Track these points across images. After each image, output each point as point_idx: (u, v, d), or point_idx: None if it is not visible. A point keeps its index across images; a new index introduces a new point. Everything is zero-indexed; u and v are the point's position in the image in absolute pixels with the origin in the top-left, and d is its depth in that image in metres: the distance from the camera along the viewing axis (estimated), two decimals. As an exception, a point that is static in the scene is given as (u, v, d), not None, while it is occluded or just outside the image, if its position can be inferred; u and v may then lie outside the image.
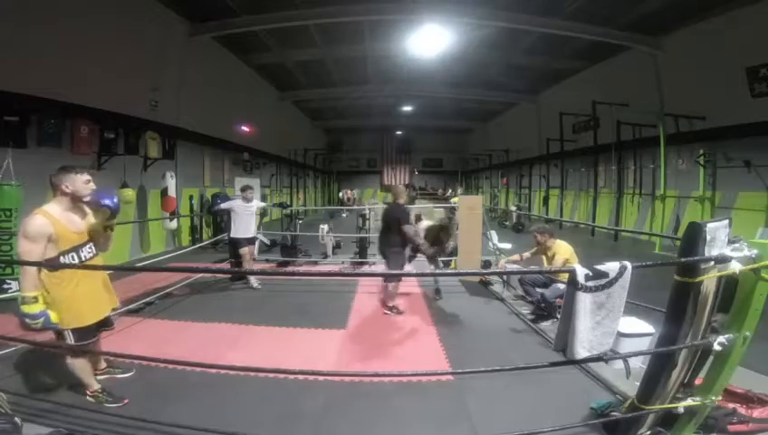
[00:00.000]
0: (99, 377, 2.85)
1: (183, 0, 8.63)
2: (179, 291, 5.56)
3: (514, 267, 4.84)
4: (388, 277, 4.93)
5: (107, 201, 2.53)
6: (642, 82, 10.41)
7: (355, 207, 13.93)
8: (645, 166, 10.88)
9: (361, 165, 29.47)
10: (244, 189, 5.93)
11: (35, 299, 2.27)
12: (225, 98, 11.63)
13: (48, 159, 6.07)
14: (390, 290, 4.86)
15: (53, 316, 2.33)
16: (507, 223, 14.24)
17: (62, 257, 2.39)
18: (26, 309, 2.25)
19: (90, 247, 2.58)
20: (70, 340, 2.45)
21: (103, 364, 3.01)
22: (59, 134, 6.17)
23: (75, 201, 2.52)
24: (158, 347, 3.60)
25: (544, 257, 4.53)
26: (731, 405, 2.27)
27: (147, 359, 2.44)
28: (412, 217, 5.21)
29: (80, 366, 2.59)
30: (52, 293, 2.35)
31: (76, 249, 2.47)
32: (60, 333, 2.50)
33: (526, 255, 4.79)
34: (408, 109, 20.25)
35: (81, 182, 2.53)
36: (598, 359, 1.91)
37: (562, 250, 4.35)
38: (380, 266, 7.17)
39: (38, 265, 2.28)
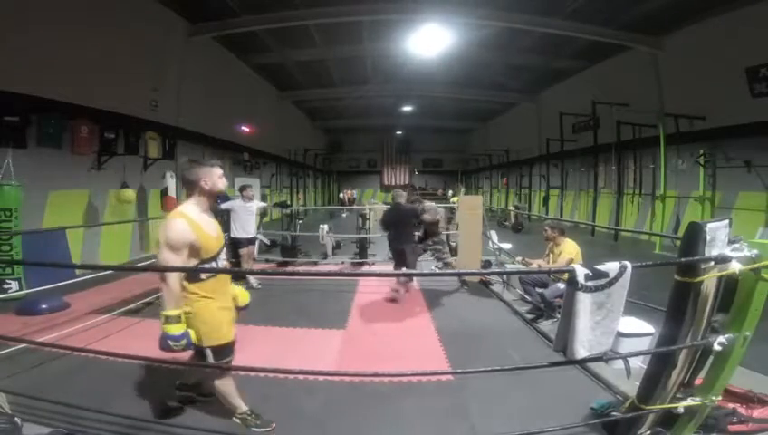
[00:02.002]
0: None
1: (183, 0, 8.63)
2: (179, 291, 5.55)
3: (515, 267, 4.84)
4: (398, 271, 5.34)
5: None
6: (642, 82, 10.40)
7: (355, 207, 13.94)
8: (645, 166, 10.88)
9: (361, 165, 29.48)
10: (244, 188, 5.92)
11: (179, 319, 2.00)
12: (225, 98, 11.64)
13: (48, 159, 6.09)
14: (403, 280, 5.26)
15: (192, 335, 2.07)
16: (507, 223, 14.24)
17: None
18: (170, 330, 1.98)
19: (224, 253, 2.31)
20: (210, 359, 2.20)
21: (244, 406, 2.49)
22: (59, 134, 6.17)
23: (211, 200, 2.23)
24: (158, 347, 3.59)
25: (551, 255, 4.52)
26: (731, 405, 2.27)
27: (147, 359, 2.44)
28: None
29: (225, 387, 2.33)
30: (195, 307, 2.11)
31: (216, 257, 2.19)
32: (199, 353, 2.23)
33: (541, 262, 4.69)
34: (407, 109, 20.26)
35: (218, 176, 2.20)
36: (598, 359, 1.91)
37: (569, 249, 4.34)
38: (380, 266, 7.19)
39: (177, 269, 2.02)
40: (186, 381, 2.58)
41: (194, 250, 2.07)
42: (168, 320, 1.97)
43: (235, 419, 2.41)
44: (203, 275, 2.14)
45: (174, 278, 2.01)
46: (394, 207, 5.48)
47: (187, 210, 2.11)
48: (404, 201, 5.53)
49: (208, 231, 2.13)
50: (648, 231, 10.89)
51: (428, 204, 6.22)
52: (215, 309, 2.17)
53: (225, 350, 2.23)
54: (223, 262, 2.27)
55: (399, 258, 5.34)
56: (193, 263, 2.09)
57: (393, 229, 5.36)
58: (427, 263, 6.60)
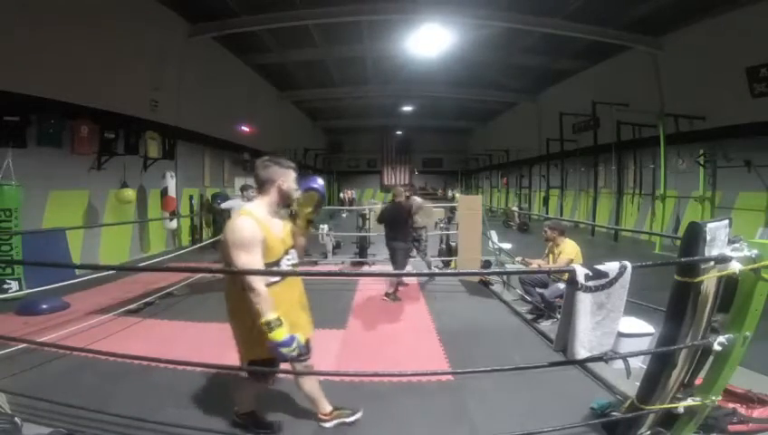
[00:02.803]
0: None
1: (183, 0, 8.62)
2: (179, 291, 5.56)
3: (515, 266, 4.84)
4: (394, 270, 5.38)
5: (314, 184, 2.17)
6: (642, 82, 10.40)
7: (355, 207, 13.94)
8: (645, 166, 10.89)
9: (361, 165, 29.48)
10: (245, 189, 5.92)
11: (280, 322, 1.82)
12: (225, 98, 11.64)
13: (48, 159, 6.09)
14: (392, 280, 5.33)
15: (302, 337, 1.93)
16: (512, 223, 14.24)
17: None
18: (276, 336, 1.80)
19: (291, 255, 2.15)
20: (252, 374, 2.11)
21: (328, 407, 2.43)
22: (59, 134, 6.18)
23: (283, 202, 2.11)
24: (158, 347, 3.60)
25: (551, 255, 4.52)
26: (731, 405, 2.27)
27: (147, 359, 2.44)
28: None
29: (311, 386, 2.24)
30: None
31: (279, 260, 2.06)
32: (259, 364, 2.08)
33: (541, 262, 4.70)
34: (408, 109, 20.26)
35: (292, 180, 2.09)
36: (598, 359, 1.90)
37: (569, 249, 4.33)
38: (380, 266, 7.18)
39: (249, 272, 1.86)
40: (241, 411, 2.38)
41: (263, 249, 1.95)
42: (270, 326, 1.80)
43: (322, 422, 2.35)
44: (271, 278, 1.99)
45: (259, 281, 1.85)
46: (393, 204, 5.51)
47: (253, 209, 2.01)
48: (403, 200, 5.58)
49: (275, 232, 2.03)
50: (647, 231, 10.89)
51: (417, 201, 6.18)
52: (289, 309, 2.03)
53: (307, 348, 2.13)
54: (289, 264, 2.15)
55: (390, 259, 5.43)
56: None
57: (388, 227, 5.41)
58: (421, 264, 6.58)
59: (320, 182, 2.23)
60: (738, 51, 7.69)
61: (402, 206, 5.42)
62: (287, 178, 2.06)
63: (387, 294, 5.26)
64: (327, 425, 2.37)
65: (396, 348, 3.79)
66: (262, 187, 2.05)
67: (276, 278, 2.00)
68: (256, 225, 1.92)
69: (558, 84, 14.73)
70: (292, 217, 2.20)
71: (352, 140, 28.14)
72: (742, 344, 1.81)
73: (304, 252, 2.25)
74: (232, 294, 2.02)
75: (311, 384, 2.25)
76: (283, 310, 1.94)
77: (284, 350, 1.82)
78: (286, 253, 2.10)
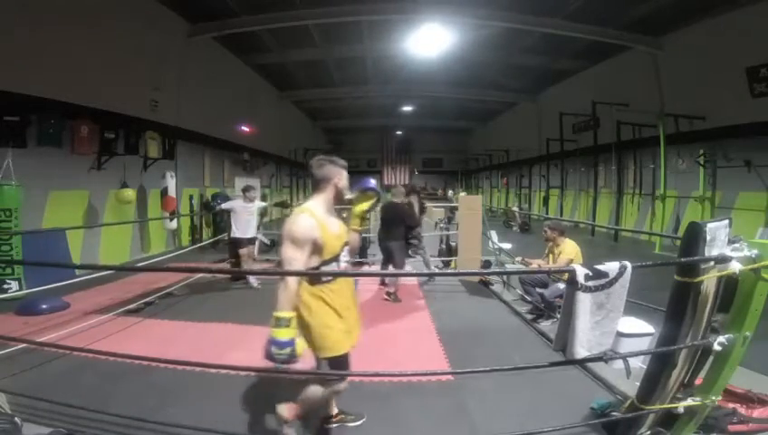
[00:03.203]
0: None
1: (183, 0, 8.62)
2: (179, 291, 5.56)
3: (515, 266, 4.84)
4: (394, 269, 5.33)
5: (371, 185, 2.22)
6: (642, 82, 10.40)
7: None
8: (645, 166, 10.89)
9: (361, 165, 29.42)
10: (247, 189, 5.92)
11: (289, 322, 1.83)
12: (225, 98, 11.64)
13: (48, 159, 6.09)
14: (392, 280, 5.32)
15: (299, 346, 1.85)
16: (513, 223, 14.26)
17: (323, 269, 2.00)
18: (277, 334, 1.79)
19: (345, 253, 2.18)
20: (325, 368, 2.08)
21: (335, 410, 2.44)
22: (59, 134, 6.17)
23: (338, 200, 2.14)
24: (158, 347, 3.60)
25: (551, 255, 4.52)
26: (731, 405, 2.27)
27: (147, 359, 2.44)
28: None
29: (322, 397, 2.16)
30: (314, 311, 1.96)
31: (337, 257, 2.06)
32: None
33: (541, 262, 4.69)
34: (408, 109, 20.26)
35: (346, 178, 2.13)
36: (598, 359, 1.90)
37: (568, 249, 4.33)
38: (378, 266, 7.18)
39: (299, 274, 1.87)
40: (328, 414, 2.38)
41: (316, 248, 1.95)
42: (278, 322, 1.81)
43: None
44: (328, 277, 2.01)
45: (293, 277, 1.89)
46: (390, 204, 5.51)
47: (313, 207, 2.02)
48: (399, 199, 5.59)
49: (332, 230, 2.04)
50: (647, 231, 10.88)
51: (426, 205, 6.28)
52: (335, 315, 2.01)
53: (342, 362, 2.06)
54: (344, 263, 2.18)
55: (388, 256, 5.40)
56: (315, 262, 1.98)
57: (384, 226, 5.41)
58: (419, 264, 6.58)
59: (374, 183, 2.30)
60: (738, 51, 7.69)
61: (399, 206, 5.42)
62: (342, 176, 2.11)
63: (388, 294, 5.26)
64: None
65: (396, 348, 3.79)
66: (318, 185, 2.07)
67: (331, 278, 2.03)
68: (315, 224, 1.94)
69: (558, 84, 14.73)
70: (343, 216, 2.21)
71: (352, 140, 28.11)
72: (742, 344, 1.81)
73: (357, 250, 2.25)
74: (305, 290, 2.00)
75: (324, 394, 2.16)
76: (341, 306, 2.02)
77: (275, 350, 1.78)
78: (342, 249, 2.13)
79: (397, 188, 5.86)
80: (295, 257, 1.89)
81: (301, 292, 1.91)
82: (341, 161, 2.14)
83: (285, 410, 2.19)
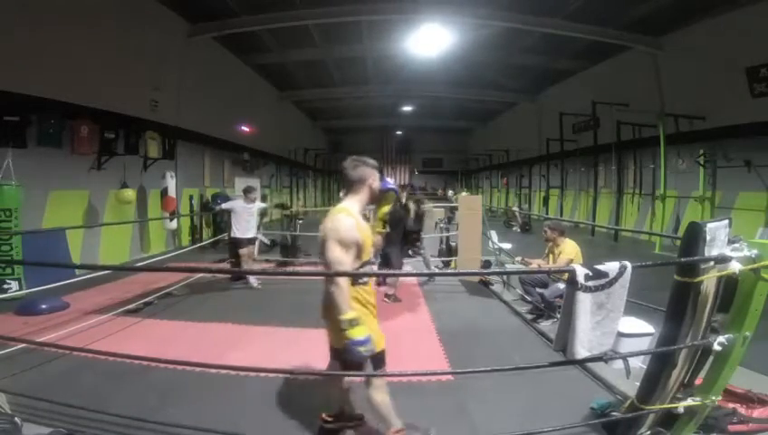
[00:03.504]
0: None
1: (183, 0, 8.62)
2: (179, 291, 5.56)
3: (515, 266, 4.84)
4: (395, 271, 5.30)
5: (391, 185, 2.28)
6: (642, 82, 10.40)
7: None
8: (645, 166, 10.89)
9: (361, 165, 29.42)
10: (249, 190, 5.93)
11: (358, 321, 1.84)
12: (225, 98, 11.64)
13: (48, 159, 6.09)
14: (391, 281, 5.26)
15: (374, 338, 1.90)
16: (514, 224, 14.27)
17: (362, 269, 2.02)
18: (355, 334, 1.81)
19: (371, 253, 2.21)
20: (369, 368, 2.05)
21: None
22: (59, 134, 6.17)
23: (371, 201, 2.17)
24: (157, 347, 3.60)
25: (551, 255, 4.52)
26: (731, 405, 2.27)
27: (147, 359, 2.44)
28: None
29: (384, 399, 2.11)
30: (360, 311, 1.96)
31: (371, 260, 2.11)
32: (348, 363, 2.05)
33: (541, 262, 4.69)
34: (408, 109, 20.25)
35: (378, 179, 2.15)
36: (598, 359, 1.90)
37: (568, 249, 4.33)
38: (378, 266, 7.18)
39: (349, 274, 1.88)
40: (332, 414, 2.35)
41: (358, 249, 1.96)
42: (351, 323, 1.81)
43: None
44: (364, 278, 2.04)
45: (345, 279, 1.89)
46: (391, 208, 5.46)
47: (351, 208, 2.03)
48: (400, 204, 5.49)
49: (367, 232, 2.06)
50: (647, 231, 10.88)
51: (427, 206, 6.25)
52: (371, 314, 2.05)
53: (382, 357, 2.09)
54: (374, 265, 2.19)
55: (385, 261, 5.25)
56: (357, 264, 1.98)
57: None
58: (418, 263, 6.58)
59: (391, 182, 2.33)
60: (738, 51, 7.69)
61: (399, 211, 5.30)
62: (375, 177, 2.11)
63: (387, 296, 5.22)
64: None
65: (396, 348, 3.76)
66: (352, 186, 2.07)
67: (366, 278, 2.04)
68: (355, 224, 1.96)
69: (558, 84, 14.73)
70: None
71: (352, 140, 28.08)
72: (742, 344, 1.81)
73: (379, 250, 2.27)
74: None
75: (382, 397, 2.11)
76: (373, 306, 2.05)
77: (362, 348, 1.82)
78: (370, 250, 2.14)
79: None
80: (343, 259, 1.88)
81: (350, 291, 1.92)
82: (373, 162, 2.14)
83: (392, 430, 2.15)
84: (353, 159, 2.11)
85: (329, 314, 2.01)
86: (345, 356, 1.96)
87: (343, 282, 1.86)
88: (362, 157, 2.15)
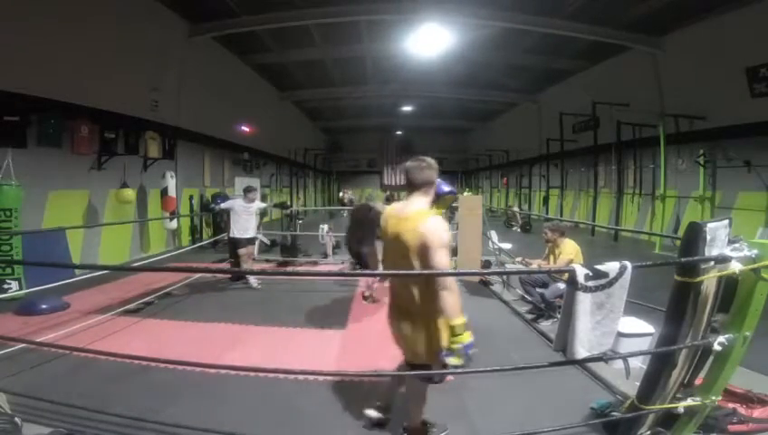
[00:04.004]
0: None
1: (183, 0, 8.62)
2: (179, 291, 5.56)
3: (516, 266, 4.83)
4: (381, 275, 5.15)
5: (451, 188, 2.30)
6: (642, 82, 10.40)
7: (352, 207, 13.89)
8: (645, 166, 10.88)
9: (361, 165, 29.41)
10: (249, 190, 5.93)
11: (466, 326, 1.86)
12: (225, 98, 11.64)
13: (48, 159, 6.09)
14: (370, 282, 5.14)
15: None
16: (514, 224, 14.27)
17: None
18: (466, 339, 1.85)
19: None
20: (428, 376, 2.06)
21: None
22: (59, 134, 6.16)
23: (434, 202, 2.17)
24: (157, 347, 3.60)
25: (551, 256, 4.51)
26: (731, 405, 2.27)
27: (147, 359, 2.44)
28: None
29: (424, 396, 2.18)
30: (437, 318, 1.95)
31: None
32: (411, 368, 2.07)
33: (541, 262, 4.68)
34: (407, 109, 20.24)
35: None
36: (598, 359, 1.91)
37: (568, 249, 4.33)
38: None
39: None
40: (385, 404, 2.42)
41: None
42: (462, 328, 1.84)
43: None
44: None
45: (454, 280, 1.88)
46: (364, 207, 5.34)
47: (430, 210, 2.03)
48: (379, 205, 5.29)
49: None
50: (647, 231, 10.88)
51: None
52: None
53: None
54: None
55: (359, 260, 5.10)
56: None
57: (355, 230, 5.12)
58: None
59: (449, 185, 2.34)
60: (738, 51, 7.68)
61: (374, 210, 5.11)
62: (436, 178, 2.12)
63: (364, 297, 5.12)
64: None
65: (396, 348, 3.78)
66: (420, 188, 2.05)
67: None
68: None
69: (558, 84, 14.72)
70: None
71: (352, 140, 28.08)
72: (742, 344, 1.81)
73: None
74: (425, 296, 1.94)
75: (426, 393, 2.18)
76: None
77: (471, 351, 1.85)
78: None
79: (375, 192, 5.86)
80: (446, 263, 1.88)
81: (430, 299, 1.89)
82: (435, 163, 2.13)
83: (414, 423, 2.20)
84: (419, 160, 2.08)
85: (421, 322, 1.98)
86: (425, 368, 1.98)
87: (456, 286, 1.84)
88: (426, 157, 2.12)
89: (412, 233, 1.90)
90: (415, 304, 1.98)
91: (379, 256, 6.53)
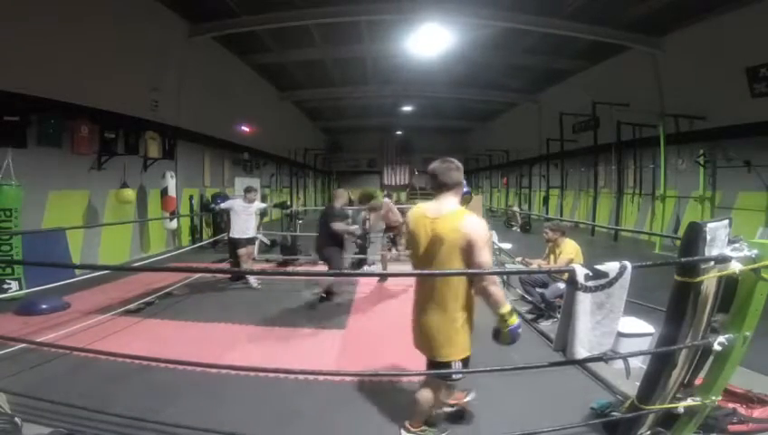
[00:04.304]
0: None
1: (183, 0, 8.62)
2: (179, 291, 5.56)
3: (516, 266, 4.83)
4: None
5: (466, 188, 2.42)
6: (642, 82, 10.40)
7: (354, 207, 13.87)
8: (645, 166, 10.88)
9: (361, 165, 29.41)
10: (249, 190, 5.93)
11: (514, 310, 2.03)
12: (225, 98, 11.64)
13: (48, 159, 6.09)
14: (325, 281, 5.12)
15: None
16: (514, 224, 14.28)
17: None
18: (513, 321, 2.00)
19: None
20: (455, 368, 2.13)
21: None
22: (59, 134, 6.17)
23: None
24: (157, 347, 3.60)
25: (552, 256, 4.51)
26: (731, 405, 2.27)
27: (147, 359, 2.44)
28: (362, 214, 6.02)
29: (428, 397, 2.22)
30: (469, 314, 2.13)
31: None
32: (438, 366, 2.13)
33: (541, 262, 4.69)
34: (408, 109, 20.24)
35: None
36: (598, 359, 1.91)
37: (568, 249, 4.32)
38: (379, 266, 7.18)
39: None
40: (415, 420, 2.40)
41: None
42: (511, 313, 2.01)
43: (405, 430, 2.30)
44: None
45: (495, 276, 2.06)
46: (326, 207, 5.34)
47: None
48: (339, 203, 5.29)
49: None
50: (647, 231, 10.88)
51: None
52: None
53: (468, 362, 2.20)
54: None
55: (325, 262, 5.12)
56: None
57: (319, 230, 5.16)
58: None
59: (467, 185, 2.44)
60: (738, 51, 7.68)
61: (332, 209, 5.17)
62: (463, 179, 2.20)
63: (321, 299, 5.10)
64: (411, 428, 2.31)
65: (396, 348, 3.78)
66: (452, 188, 2.09)
67: None
68: None
69: (558, 84, 14.72)
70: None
71: (352, 140, 28.08)
72: (742, 344, 1.81)
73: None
74: (459, 293, 2.08)
75: (434, 395, 2.23)
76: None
77: (519, 331, 2.01)
78: None
79: (335, 191, 5.73)
80: (490, 260, 2.03)
81: (468, 295, 2.09)
82: (461, 164, 2.20)
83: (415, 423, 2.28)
84: (448, 162, 2.12)
85: (446, 319, 2.09)
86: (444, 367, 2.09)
87: (497, 279, 1.99)
88: (453, 159, 2.16)
89: (454, 232, 1.97)
90: (455, 301, 2.08)
91: (386, 255, 6.60)
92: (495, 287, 1.97)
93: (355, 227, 5.41)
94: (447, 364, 2.10)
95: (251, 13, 9.23)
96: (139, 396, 2.74)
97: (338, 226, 4.96)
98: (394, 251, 6.69)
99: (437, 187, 2.09)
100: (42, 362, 3.14)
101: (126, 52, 7.48)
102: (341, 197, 5.44)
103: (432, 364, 2.17)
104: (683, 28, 8.99)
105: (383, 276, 6.09)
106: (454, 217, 1.99)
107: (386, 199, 7.02)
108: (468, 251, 1.96)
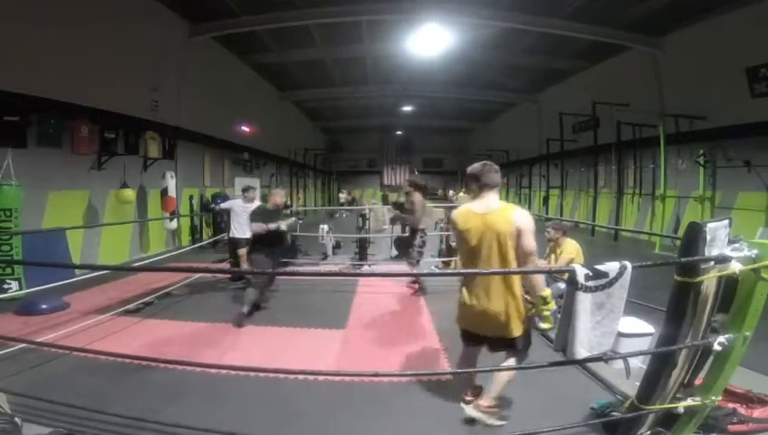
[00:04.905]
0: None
1: (183, 0, 8.62)
2: (179, 291, 5.56)
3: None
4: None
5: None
6: (642, 82, 10.40)
7: (354, 207, 13.90)
8: (645, 166, 10.87)
9: (361, 165, 29.41)
10: (247, 190, 5.92)
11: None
12: (225, 98, 11.64)
13: (48, 159, 6.09)
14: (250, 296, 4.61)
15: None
16: None
17: None
18: (553, 306, 2.23)
19: None
20: (520, 347, 2.36)
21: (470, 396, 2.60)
22: (59, 134, 6.17)
23: None
24: (157, 347, 3.60)
25: (552, 255, 4.51)
26: (731, 405, 2.27)
27: (147, 359, 2.44)
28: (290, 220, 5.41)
29: (503, 378, 2.42)
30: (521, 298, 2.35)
31: None
32: (509, 345, 2.36)
33: (542, 262, 4.67)
34: (408, 109, 20.24)
35: None
36: (598, 359, 1.91)
37: (569, 249, 4.32)
38: (380, 266, 7.19)
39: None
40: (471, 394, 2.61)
41: None
42: (549, 298, 2.22)
43: (478, 408, 2.42)
44: None
45: (535, 258, 2.32)
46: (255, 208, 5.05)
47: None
48: (273, 203, 4.92)
49: None
50: (647, 231, 10.88)
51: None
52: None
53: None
54: None
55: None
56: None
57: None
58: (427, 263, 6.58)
59: None
60: (738, 51, 7.68)
61: (260, 208, 4.92)
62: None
63: (250, 313, 4.56)
64: (475, 412, 2.42)
65: (396, 348, 3.79)
66: (495, 187, 2.39)
67: None
68: None
69: (558, 84, 14.71)
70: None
71: (352, 140, 28.06)
72: (742, 344, 1.81)
73: None
74: (518, 276, 2.38)
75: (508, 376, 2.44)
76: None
77: (558, 315, 2.07)
78: None
79: (275, 190, 5.24)
80: (535, 245, 2.27)
81: (518, 284, 2.35)
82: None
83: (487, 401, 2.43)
84: (489, 164, 2.42)
85: (514, 299, 2.33)
86: (521, 341, 2.33)
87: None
88: (491, 162, 2.45)
89: (507, 224, 2.25)
90: (518, 282, 2.36)
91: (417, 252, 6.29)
92: (536, 275, 2.32)
93: (275, 225, 4.67)
94: (514, 341, 2.33)
95: (251, 13, 9.23)
96: (138, 396, 2.73)
97: (254, 226, 4.62)
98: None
99: (481, 187, 2.38)
100: (41, 362, 3.14)
101: (126, 52, 7.48)
102: (276, 196, 5.02)
103: (499, 344, 2.40)
104: (683, 28, 8.99)
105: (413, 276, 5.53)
106: (504, 210, 2.30)
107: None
108: (520, 237, 2.24)
